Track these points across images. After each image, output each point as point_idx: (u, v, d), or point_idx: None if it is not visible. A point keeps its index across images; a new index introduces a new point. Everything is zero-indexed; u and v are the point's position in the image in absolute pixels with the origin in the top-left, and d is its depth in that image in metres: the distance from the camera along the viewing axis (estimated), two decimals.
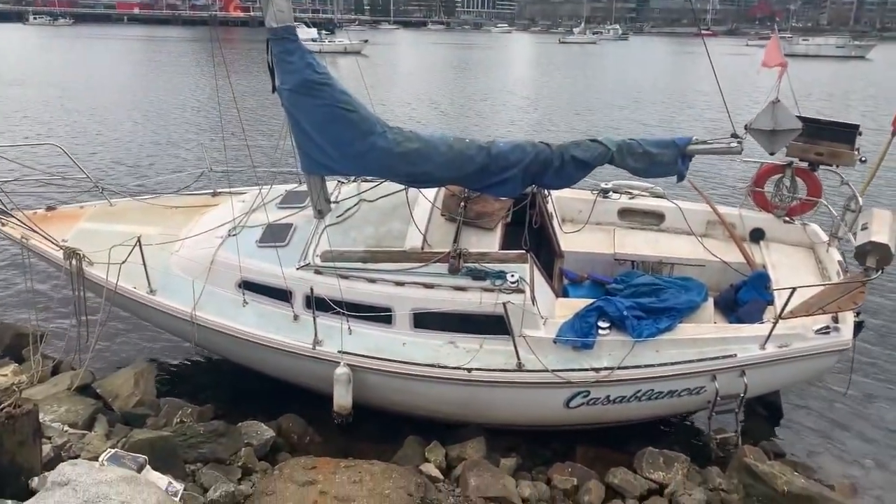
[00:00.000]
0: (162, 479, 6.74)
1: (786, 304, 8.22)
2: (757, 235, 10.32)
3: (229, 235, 9.65)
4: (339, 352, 8.62)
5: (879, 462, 9.38)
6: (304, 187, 9.77)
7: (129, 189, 13.11)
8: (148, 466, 6.70)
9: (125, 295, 9.57)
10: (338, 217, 9.42)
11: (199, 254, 9.59)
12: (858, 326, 9.03)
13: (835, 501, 7.88)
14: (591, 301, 8.87)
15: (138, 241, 9.11)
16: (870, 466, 9.32)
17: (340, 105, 8.19)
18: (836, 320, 8.61)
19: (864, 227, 8.51)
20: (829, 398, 10.33)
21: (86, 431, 8.10)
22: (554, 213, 10.56)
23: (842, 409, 10.19)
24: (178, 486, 6.87)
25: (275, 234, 9.43)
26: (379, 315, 8.72)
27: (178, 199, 11.31)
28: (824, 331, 8.53)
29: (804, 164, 9.95)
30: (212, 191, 11.32)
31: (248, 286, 9.21)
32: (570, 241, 10.49)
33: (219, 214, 10.34)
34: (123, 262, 9.14)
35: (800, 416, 10.15)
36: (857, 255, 8.46)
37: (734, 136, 8.25)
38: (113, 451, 6.74)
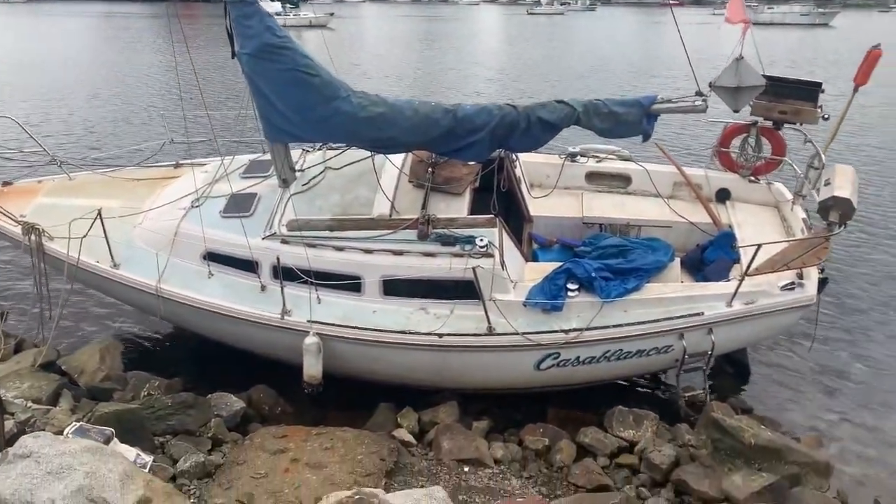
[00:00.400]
0: (130, 451, 6.68)
1: (751, 262, 8.31)
2: (723, 195, 10.40)
3: (192, 207, 9.47)
4: (308, 321, 8.55)
5: (843, 414, 9.59)
6: (267, 156, 9.60)
7: (88, 162, 12.81)
8: (115, 439, 6.64)
9: (88, 270, 9.37)
10: (303, 185, 9.28)
11: (163, 226, 9.41)
12: (823, 282, 9.18)
13: (800, 453, 8.05)
14: (559, 264, 8.88)
15: (99, 214, 8.90)
16: (833, 419, 9.54)
17: (302, 69, 8.02)
18: (800, 276, 8.73)
19: (827, 183, 8.61)
20: (795, 354, 10.53)
21: (50, 407, 7.97)
22: (522, 178, 10.51)
23: (807, 364, 10.39)
24: (147, 458, 6.82)
25: (239, 205, 9.28)
26: (348, 283, 8.65)
27: (140, 171, 11.06)
28: (789, 287, 8.65)
29: (768, 123, 10.00)
30: (174, 162, 11.09)
31: (213, 257, 9.07)
32: (539, 205, 10.47)
33: (181, 186, 10.13)
34: (84, 237, 8.94)
35: (766, 372, 10.33)
36: (820, 210, 8.56)
37: (699, 94, 8.25)
38: (78, 424, 6.65)
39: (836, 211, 8.42)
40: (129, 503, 5.31)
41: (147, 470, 6.54)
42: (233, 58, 8.27)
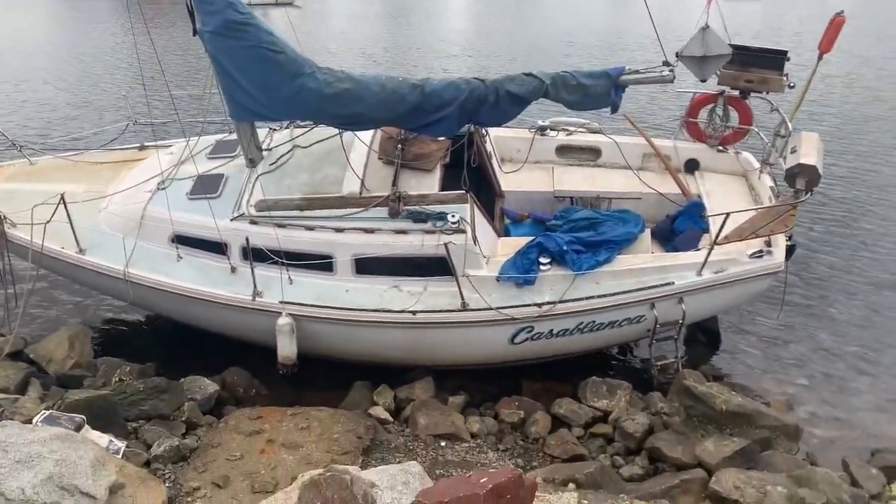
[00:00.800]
0: (102, 438, 6.60)
1: (720, 231, 8.39)
2: (692, 166, 10.46)
3: (158, 189, 9.30)
4: (281, 302, 8.48)
5: (811, 379, 9.79)
6: (233, 136, 9.46)
7: (49, 146, 12.45)
8: (86, 426, 6.54)
9: (53, 256, 9.19)
10: (271, 165, 9.16)
11: (129, 209, 9.23)
12: (790, 249, 9.30)
13: (770, 416, 8.22)
14: (531, 238, 8.89)
15: (62, 199, 8.70)
16: (802, 384, 9.73)
17: (265, 46, 7.87)
18: (768, 244, 8.84)
19: (793, 151, 8.68)
20: (764, 321, 10.68)
21: (18, 396, 7.84)
22: (493, 153, 10.48)
23: (776, 330, 10.56)
24: (120, 444, 6.75)
25: (206, 186, 9.13)
26: (319, 263, 8.59)
27: (103, 154, 10.82)
28: (758, 255, 8.76)
29: (735, 93, 10.05)
30: (138, 144, 10.86)
31: (181, 240, 8.94)
32: (510, 180, 10.44)
33: (146, 168, 9.93)
34: (48, 222, 8.74)
35: (737, 339, 10.49)
36: (787, 178, 8.65)
37: (666, 64, 8.25)
38: (48, 412, 6.55)
39: (802, 178, 8.51)
40: (102, 489, 5.25)
41: (120, 456, 6.47)
42: (194, 35, 8.09)
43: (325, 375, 9.12)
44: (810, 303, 11.19)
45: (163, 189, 9.23)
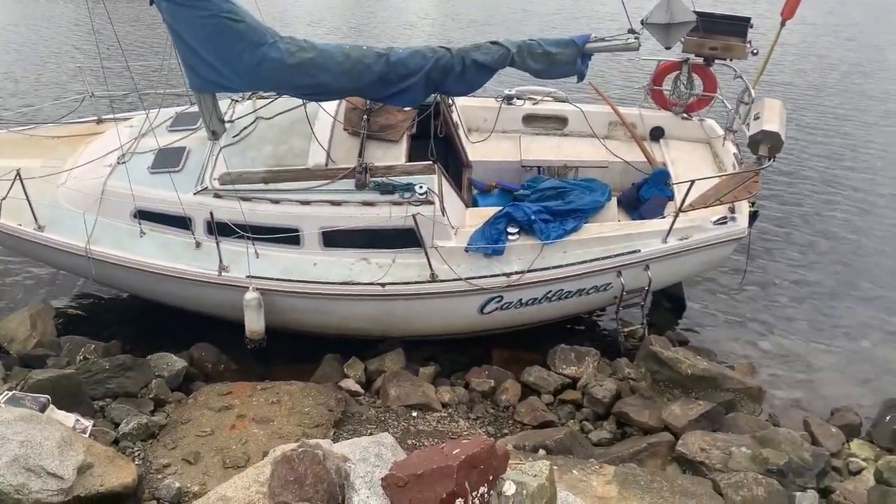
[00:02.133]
0: (68, 418, 6.49)
1: (685, 199, 8.47)
2: (657, 134, 10.51)
3: (119, 163, 9.08)
4: (248, 276, 8.39)
5: (774, 342, 10.03)
6: (195, 108, 9.23)
7: (2, 120, 12.07)
8: (51, 406, 6.43)
9: (10, 233, 8.96)
10: (234, 137, 8.99)
11: (88, 185, 9.01)
12: (754, 215, 9.45)
13: (735, 380, 8.41)
14: (499, 208, 8.89)
15: (18, 174, 8.46)
16: (765, 347, 9.96)
17: (225, 15, 7.66)
18: (732, 210, 8.96)
19: (756, 118, 8.76)
20: (729, 286, 10.87)
21: None
22: (459, 123, 10.40)
23: (739, 295, 10.76)
24: (87, 423, 6.66)
25: (167, 159, 8.94)
26: (286, 236, 8.49)
27: (60, 128, 10.50)
28: (721, 221, 8.88)
29: (700, 60, 10.08)
30: (95, 118, 10.55)
31: (143, 215, 8.76)
32: (477, 150, 10.40)
33: (106, 142, 9.68)
34: (4, 199, 8.51)
35: (701, 304, 10.67)
36: (750, 144, 8.74)
37: (631, 31, 8.23)
38: (10, 393, 6.41)
39: (765, 144, 8.60)
40: (70, 469, 5.18)
41: (87, 435, 6.38)
42: (151, 4, 7.86)
43: (295, 349, 9.09)
44: (773, 268, 11.40)
45: (123, 163, 9.01)
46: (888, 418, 8.19)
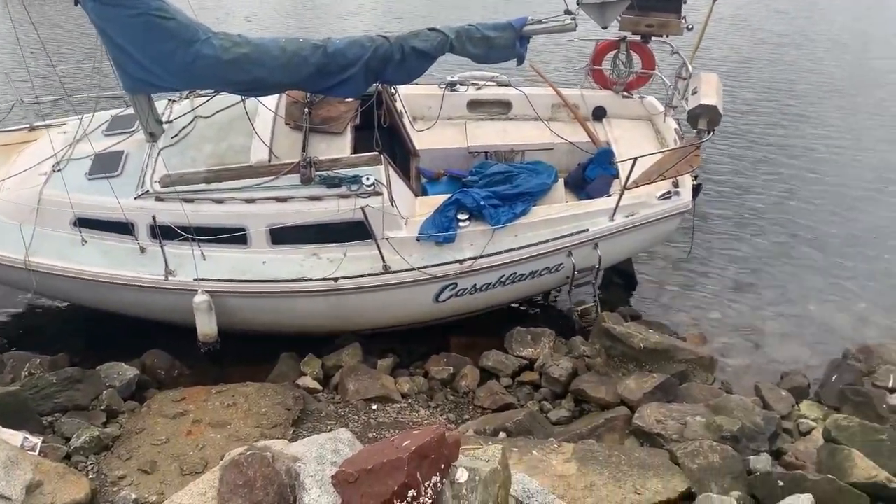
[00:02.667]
0: (15, 436, 6.33)
1: (629, 176, 8.59)
2: (599, 113, 10.60)
3: (54, 171, 8.81)
4: (196, 279, 8.24)
5: (723, 311, 10.26)
6: (130, 110, 8.99)
7: None
8: None
9: None
10: (172, 138, 8.79)
11: (23, 194, 8.72)
12: (697, 189, 9.62)
13: (687, 350, 8.59)
14: (448, 196, 8.88)
15: None
16: (715, 316, 10.18)
17: (154, 12, 7.44)
18: (676, 185, 9.11)
19: (694, 92, 8.91)
20: (677, 259, 11.06)
21: None
22: (404, 112, 10.34)
23: (688, 268, 10.96)
24: (36, 440, 6.50)
25: (105, 164, 8.70)
26: (232, 236, 8.36)
27: None
28: (666, 196, 9.03)
29: (637, 38, 10.19)
30: (27, 125, 10.20)
31: (84, 223, 8.53)
32: (423, 138, 10.36)
33: (39, 150, 9.37)
34: None
35: (651, 278, 10.85)
36: (690, 119, 8.89)
37: (568, 12, 8.27)
38: None
39: (704, 118, 8.76)
40: (17, 489, 5.05)
41: (37, 452, 6.22)
42: (76, 5, 7.61)
43: (250, 350, 8.95)
44: (718, 239, 11.64)
45: (59, 171, 8.74)
46: (834, 378, 8.47)
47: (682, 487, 6.22)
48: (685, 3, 9.87)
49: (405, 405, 8.14)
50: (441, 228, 8.57)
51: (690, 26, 9.83)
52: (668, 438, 7.01)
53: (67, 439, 6.97)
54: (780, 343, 9.66)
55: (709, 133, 8.88)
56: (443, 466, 3.56)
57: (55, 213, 8.54)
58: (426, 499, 3.45)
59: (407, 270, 8.46)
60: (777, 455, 7.05)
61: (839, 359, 8.90)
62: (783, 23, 21.30)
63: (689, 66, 9.58)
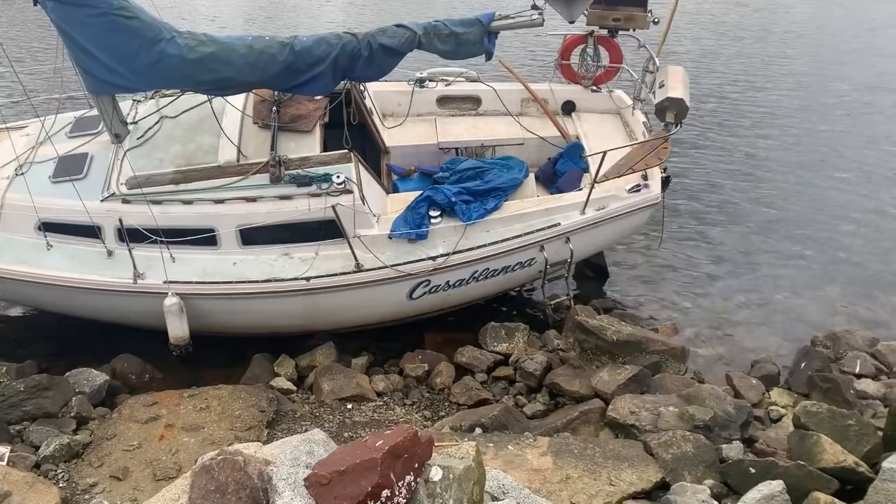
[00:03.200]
0: None
1: (598, 169, 8.64)
2: (568, 108, 10.65)
3: (17, 175, 8.64)
4: (165, 282, 8.13)
5: (695, 302, 10.38)
6: (94, 112, 8.84)
7: None
8: None
9: None
10: (138, 139, 8.66)
11: None
12: (666, 181, 9.72)
13: (659, 342, 8.69)
14: (420, 192, 8.87)
15: None
16: (686, 307, 10.30)
17: (116, 12, 7.32)
18: (645, 178, 9.19)
19: (661, 85, 8.98)
20: (647, 252, 11.16)
21: None
22: (373, 109, 10.29)
23: (659, 260, 11.06)
24: (3, 450, 6.40)
25: (69, 167, 8.55)
26: (202, 237, 8.26)
27: None
28: (636, 189, 9.10)
29: (604, 32, 10.25)
30: None
31: (48, 227, 8.38)
32: (394, 135, 10.33)
33: (0, 153, 9.18)
34: None
35: (623, 271, 10.93)
36: (657, 112, 8.96)
37: (535, 7, 8.30)
38: None
39: (671, 111, 8.83)
40: None
41: (5, 462, 6.11)
42: (35, 5, 7.45)
43: (222, 352, 8.88)
44: (688, 231, 11.76)
45: (21, 174, 8.58)
46: (803, 365, 8.61)
47: (657, 477, 6.30)
48: None
49: (381, 403, 8.13)
50: (413, 225, 8.56)
51: (656, 20, 9.90)
52: (642, 429, 7.08)
53: (36, 448, 6.85)
54: (750, 332, 9.80)
55: (676, 126, 8.96)
56: (416, 465, 3.56)
57: (18, 218, 8.38)
58: (400, 498, 3.45)
59: (380, 268, 8.43)
60: (749, 442, 7.14)
61: (808, 346, 9.05)
62: (746, 16, 21.58)
63: (656, 60, 9.66)
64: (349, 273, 8.41)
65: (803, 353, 8.85)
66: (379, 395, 8.28)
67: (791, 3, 22.68)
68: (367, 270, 8.42)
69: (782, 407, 7.99)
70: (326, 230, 8.32)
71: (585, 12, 9.37)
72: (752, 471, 6.17)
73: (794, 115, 15.49)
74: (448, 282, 8.85)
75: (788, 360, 9.07)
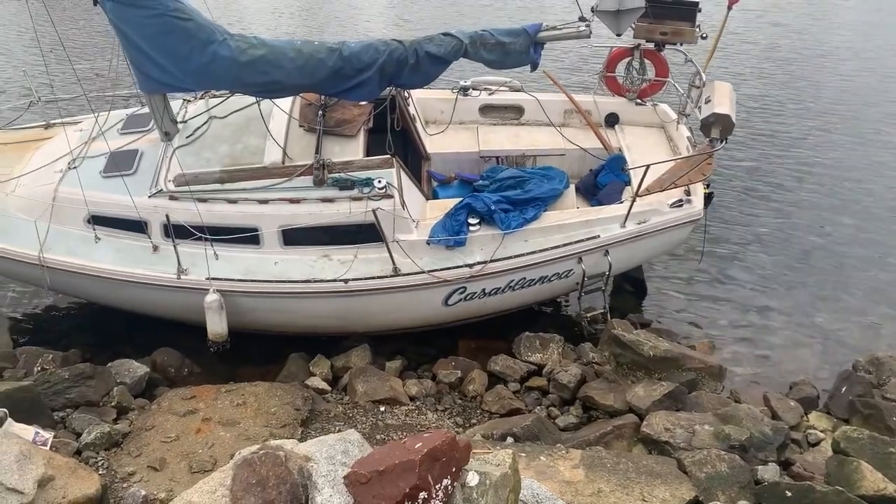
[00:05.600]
0: (27, 430, 6.36)
1: (641, 183, 8.59)
2: (612, 120, 10.61)
3: (69, 168, 8.89)
4: (207, 279, 8.29)
5: (733, 321, 10.24)
6: (146, 109, 9.08)
7: None
8: (9, 419, 6.29)
9: None
10: (187, 138, 8.85)
11: (39, 191, 8.80)
12: (709, 197, 9.61)
13: (696, 359, 8.58)
14: (459, 200, 8.91)
15: None
16: (725, 325, 10.17)
17: (172, 13, 7.52)
18: (688, 193, 9.11)
19: (707, 101, 8.90)
20: (687, 268, 11.04)
21: None
22: (416, 116, 10.38)
23: (698, 276, 10.94)
24: (47, 435, 6.52)
25: (120, 163, 8.77)
26: (245, 236, 8.41)
27: (7, 134, 10.21)
28: (678, 204, 9.02)
29: (651, 45, 10.20)
30: (43, 123, 10.30)
31: (97, 220, 8.60)
32: (435, 142, 10.40)
33: (55, 147, 9.46)
34: None
35: (661, 286, 10.83)
36: (703, 127, 8.88)
37: (582, 19, 8.30)
38: None
39: (717, 127, 8.75)
40: (30, 484, 5.10)
41: (48, 447, 6.26)
42: (95, 5, 7.68)
43: (259, 349, 9.02)
44: (729, 248, 11.60)
45: (74, 168, 8.83)
46: (844, 389, 8.44)
47: (690, 496, 6.22)
48: (699, 11, 9.87)
49: (413, 408, 8.16)
50: (451, 232, 8.60)
51: (705, 35, 9.81)
52: (676, 447, 7.01)
53: (78, 435, 7.03)
54: (790, 353, 9.63)
55: (721, 142, 8.88)
56: (454, 469, 3.58)
57: (69, 210, 8.62)
58: (437, 501, 3.47)
59: (416, 273, 8.49)
60: (785, 465, 7.03)
61: (849, 370, 8.87)
62: (798, 32, 21.23)
63: (703, 75, 9.58)
64: (386, 277, 8.48)
65: (844, 377, 8.67)
66: (412, 399, 8.32)
67: (848, 19, 22.27)
68: (404, 275, 8.49)
69: (821, 431, 7.84)
70: (366, 233, 8.40)
71: (633, 25, 9.33)
72: (789, 494, 6.06)
73: (845, 135, 15.18)
74: (484, 290, 8.87)
75: (828, 384, 8.89)
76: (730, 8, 9.37)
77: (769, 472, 6.62)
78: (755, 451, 6.96)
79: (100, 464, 6.62)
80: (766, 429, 7.18)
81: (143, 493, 6.16)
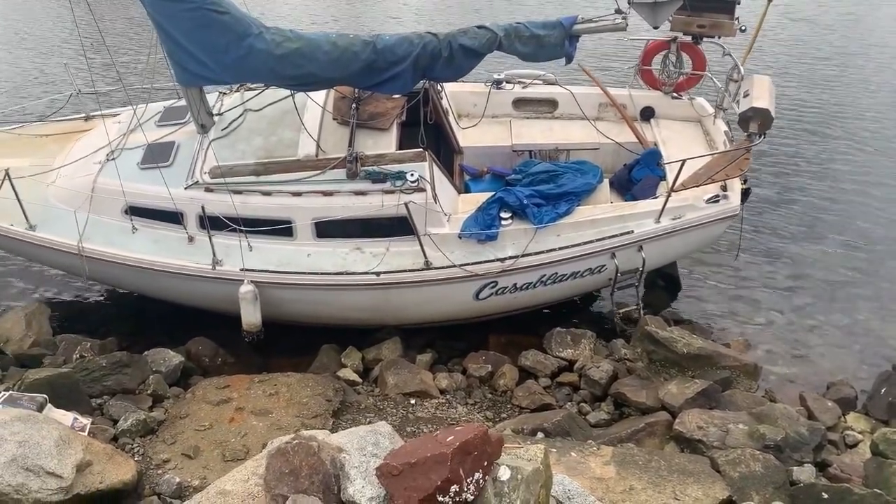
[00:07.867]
0: (66, 416, 6.51)
1: (676, 178, 8.48)
2: (647, 114, 10.47)
3: (108, 160, 9.05)
4: (242, 270, 8.39)
5: (769, 318, 10.06)
6: (182, 102, 9.19)
7: None
8: (49, 405, 6.45)
9: (1, 234, 8.94)
10: (223, 130, 8.95)
11: (78, 182, 8.98)
12: (746, 193, 9.44)
13: (730, 357, 8.45)
14: (491, 194, 8.88)
15: (7, 174, 8.42)
16: (760, 323, 9.99)
17: (209, 7, 7.59)
18: (724, 188, 8.96)
19: (746, 95, 8.74)
20: (723, 264, 10.87)
21: None
22: (449, 109, 10.35)
23: (733, 273, 10.76)
24: (85, 421, 6.68)
25: (157, 154, 8.89)
26: (279, 228, 8.49)
27: (47, 126, 10.44)
28: (714, 199, 8.88)
29: (688, 39, 10.03)
30: (83, 115, 10.49)
31: (135, 211, 8.75)
32: (468, 135, 10.37)
33: (94, 139, 9.64)
34: None
35: (696, 283, 10.68)
36: (741, 122, 8.73)
37: (618, 11, 8.20)
38: (7, 393, 6.42)
39: (755, 122, 8.59)
40: (69, 468, 5.21)
41: (86, 433, 6.40)
42: None
43: (292, 341, 9.11)
44: (766, 245, 11.40)
45: (112, 160, 8.99)
46: (883, 391, 8.24)
47: (723, 495, 6.13)
48: (738, 3, 9.67)
49: (443, 401, 8.17)
50: (483, 226, 8.57)
51: (743, 28, 9.63)
52: (710, 445, 6.91)
53: (115, 421, 7.17)
54: (827, 352, 9.44)
55: (760, 136, 8.71)
56: (485, 463, 3.58)
57: (108, 201, 8.77)
58: (468, 495, 3.47)
59: (448, 267, 8.49)
60: (822, 467, 6.89)
61: (889, 371, 8.64)
62: (840, 26, 20.74)
63: (741, 68, 9.40)
64: (418, 270, 8.49)
65: (884, 378, 8.46)
66: (442, 392, 8.34)
67: (887, 19, 21.70)
68: (436, 268, 8.49)
69: (859, 432, 7.67)
70: (398, 227, 8.42)
71: (670, 18, 9.19)
72: (825, 496, 5.94)
73: (887, 129, 14.81)
74: (515, 284, 8.84)
75: (867, 385, 8.68)
76: (770, 1, 9.17)
77: (805, 473, 6.50)
78: (791, 452, 6.83)
79: (136, 450, 6.75)
80: (802, 429, 7.05)
81: (178, 480, 6.27)
